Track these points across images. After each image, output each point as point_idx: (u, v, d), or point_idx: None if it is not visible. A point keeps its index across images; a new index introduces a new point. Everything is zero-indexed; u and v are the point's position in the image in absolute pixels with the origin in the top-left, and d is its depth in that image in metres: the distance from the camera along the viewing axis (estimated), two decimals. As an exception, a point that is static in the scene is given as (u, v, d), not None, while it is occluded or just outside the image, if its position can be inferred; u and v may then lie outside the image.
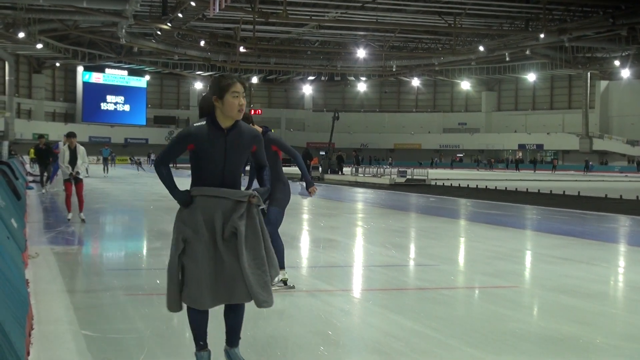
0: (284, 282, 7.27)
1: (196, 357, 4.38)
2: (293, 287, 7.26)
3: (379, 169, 42.55)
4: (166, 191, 4.51)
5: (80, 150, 13.08)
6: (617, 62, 68.69)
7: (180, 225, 4.33)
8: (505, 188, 30.17)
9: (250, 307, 6.43)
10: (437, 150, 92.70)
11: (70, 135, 13.11)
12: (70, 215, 13.13)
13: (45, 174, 22.96)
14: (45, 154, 23.08)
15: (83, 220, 12.89)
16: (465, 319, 6.20)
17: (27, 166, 42.38)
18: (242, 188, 4.40)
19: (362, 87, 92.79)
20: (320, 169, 44.77)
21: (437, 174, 44.71)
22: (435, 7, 54.57)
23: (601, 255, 10.43)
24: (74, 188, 13.13)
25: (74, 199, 13.19)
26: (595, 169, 71.80)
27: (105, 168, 41.50)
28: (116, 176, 38.71)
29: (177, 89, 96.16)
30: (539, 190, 28.78)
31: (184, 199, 4.35)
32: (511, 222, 15.50)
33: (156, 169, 4.50)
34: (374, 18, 57.34)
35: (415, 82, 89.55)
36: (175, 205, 4.43)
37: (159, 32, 65.35)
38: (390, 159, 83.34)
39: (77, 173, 13.11)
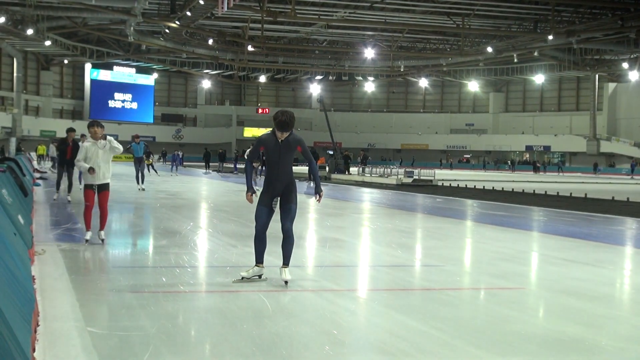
0: (286, 282, 7.33)
1: None
2: (266, 279, 7.56)
3: (385, 169, 42.49)
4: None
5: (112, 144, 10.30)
6: (625, 65, 68.56)
7: None
8: (512, 189, 30.13)
9: (254, 307, 6.45)
10: (444, 151, 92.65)
11: (95, 125, 10.14)
12: (89, 235, 10.13)
13: (66, 178, 18.07)
14: (72, 153, 17.12)
15: (102, 241, 10.15)
16: (470, 320, 6.20)
17: (35, 162, 42.47)
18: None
19: (369, 87, 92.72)
20: (327, 168, 44.74)
21: (444, 175, 44.66)
22: (443, 7, 54.51)
23: (607, 257, 10.41)
24: (96, 198, 10.23)
25: (95, 212, 10.20)
26: (604, 171, 72.32)
27: (140, 176, 23.07)
28: (124, 174, 37.71)
29: (185, 87, 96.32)
30: (545, 192, 28.73)
31: None
32: (517, 224, 15.47)
33: None
34: (382, 18, 57.33)
35: (423, 82, 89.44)
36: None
37: (167, 30, 65.48)
38: (400, 159, 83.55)
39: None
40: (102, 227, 10.27)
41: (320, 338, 5.44)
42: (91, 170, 10.00)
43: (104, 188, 10.27)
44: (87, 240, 10.06)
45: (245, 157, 8.36)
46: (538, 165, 75.94)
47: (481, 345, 5.31)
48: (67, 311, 6.04)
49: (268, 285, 7.37)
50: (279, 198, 7.48)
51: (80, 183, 17.91)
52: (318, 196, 7.80)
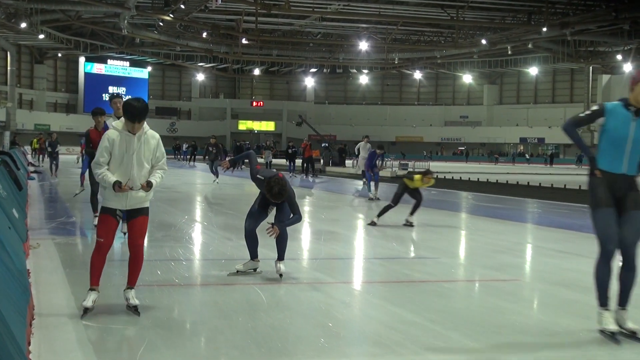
0: (281, 275, 7.34)
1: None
2: (260, 271, 7.58)
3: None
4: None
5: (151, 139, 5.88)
6: (619, 56, 68.56)
7: None
8: (507, 181, 30.18)
9: (249, 299, 6.45)
10: (438, 143, 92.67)
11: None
12: (90, 301, 5.72)
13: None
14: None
15: (136, 309, 5.79)
16: (465, 312, 6.22)
17: (29, 156, 42.35)
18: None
19: (364, 79, 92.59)
20: (322, 161, 44.72)
21: (439, 167, 44.66)
22: (437, -1, 54.52)
23: (602, 249, 10.42)
24: (120, 228, 6.63)
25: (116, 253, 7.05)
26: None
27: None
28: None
29: (179, 80, 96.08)
30: (540, 183, 28.78)
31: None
32: (512, 216, 15.51)
33: None
34: (377, 10, 57.22)
35: (417, 74, 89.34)
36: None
37: (161, 23, 65.26)
38: (402, 155, 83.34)
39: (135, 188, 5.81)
40: (132, 283, 6.02)
41: (315, 330, 5.45)
42: (117, 185, 5.68)
43: (139, 213, 5.95)
44: (86, 310, 5.65)
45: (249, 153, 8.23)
46: (525, 156, 75.19)
47: (476, 337, 5.32)
48: (62, 305, 6.04)
49: (263, 278, 7.38)
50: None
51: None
52: (272, 227, 7.20)
